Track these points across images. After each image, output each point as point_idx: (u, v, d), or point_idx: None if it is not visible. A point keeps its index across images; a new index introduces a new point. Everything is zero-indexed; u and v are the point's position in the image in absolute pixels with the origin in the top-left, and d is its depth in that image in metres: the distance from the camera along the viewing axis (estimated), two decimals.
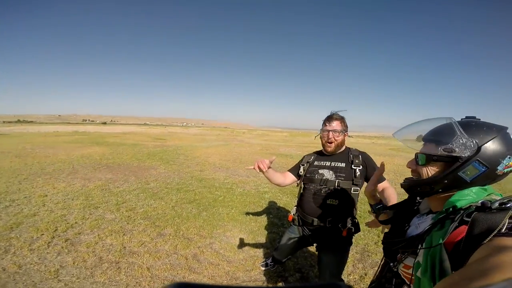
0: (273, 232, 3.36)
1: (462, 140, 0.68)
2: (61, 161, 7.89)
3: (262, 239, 3.22)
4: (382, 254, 0.93)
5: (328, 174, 1.71)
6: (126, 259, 2.61)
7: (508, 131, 0.69)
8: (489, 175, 0.67)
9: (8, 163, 7.25)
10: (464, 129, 0.69)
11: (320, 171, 1.75)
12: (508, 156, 0.65)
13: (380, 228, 1.59)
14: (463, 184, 0.69)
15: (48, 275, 2.32)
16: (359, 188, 1.67)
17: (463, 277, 0.40)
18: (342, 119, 1.74)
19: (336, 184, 1.65)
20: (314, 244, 1.87)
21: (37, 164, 7.25)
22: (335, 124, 1.70)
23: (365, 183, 1.46)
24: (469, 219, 0.58)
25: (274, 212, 4.11)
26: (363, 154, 1.76)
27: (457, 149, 0.68)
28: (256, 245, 3.03)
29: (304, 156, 1.94)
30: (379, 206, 1.05)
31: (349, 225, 1.67)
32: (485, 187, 0.69)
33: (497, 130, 0.67)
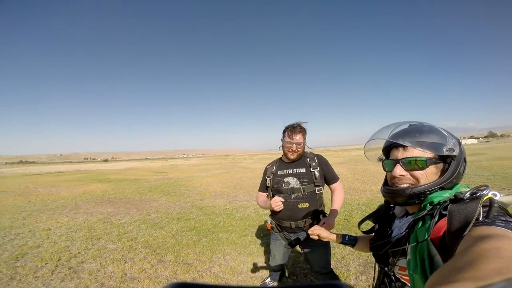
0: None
1: (452, 139, 0.75)
2: (64, 198, 8.02)
3: (261, 260, 3.26)
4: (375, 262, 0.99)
5: (293, 182, 1.86)
6: (127, 285, 2.68)
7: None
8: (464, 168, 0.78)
9: (11, 201, 7.40)
10: (443, 130, 0.78)
11: (286, 179, 1.88)
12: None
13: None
14: (459, 180, 0.77)
15: None
16: (322, 187, 1.88)
17: (451, 268, 0.41)
18: (304, 131, 1.87)
19: (303, 190, 1.83)
20: (298, 246, 1.98)
21: (40, 202, 7.38)
22: (299, 137, 1.83)
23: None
24: (446, 212, 0.62)
25: None
26: (318, 156, 1.95)
27: (455, 148, 0.74)
28: (255, 266, 3.08)
29: (266, 168, 2.03)
30: (346, 237, 1.18)
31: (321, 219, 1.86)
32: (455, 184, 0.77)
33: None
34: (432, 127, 0.78)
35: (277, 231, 1.98)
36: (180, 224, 4.91)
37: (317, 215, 1.86)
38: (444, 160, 0.75)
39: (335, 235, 1.23)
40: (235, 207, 6.18)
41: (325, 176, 1.91)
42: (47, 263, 3.14)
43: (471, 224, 0.53)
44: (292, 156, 1.87)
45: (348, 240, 1.17)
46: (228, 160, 49.04)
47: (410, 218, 0.80)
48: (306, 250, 1.92)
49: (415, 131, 0.77)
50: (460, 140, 0.77)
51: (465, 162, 0.77)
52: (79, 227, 4.77)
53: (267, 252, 3.42)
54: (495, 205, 0.56)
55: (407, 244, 0.72)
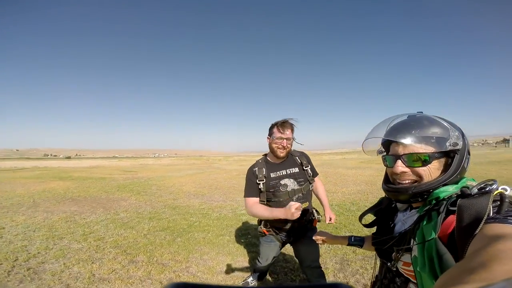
0: (252, 252, 3.36)
1: (455, 131, 0.70)
2: (20, 196, 7.32)
3: (241, 259, 3.20)
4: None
5: (291, 183, 1.80)
6: (96, 286, 2.48)
7: None
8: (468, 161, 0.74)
9: None
10: (446, 121, 0.73)
11: (282, 182, 1.79)
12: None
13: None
14: (463, 174, 0.73)
15: None
16: (312, 184, 1.93)
17: (463, 269, 0.38)
18: (292, 127, 1.82)
19: (303, 190, 1.82)
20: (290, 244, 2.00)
21: None
22: (289, 132, 1.77)
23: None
24: (454, 208, 0.59)
25: (252, 233, 4.10)
26: (304, 154, 1.96)
27: (458, 142, 0.69)
28: (235, 265, 3.01)
29: (253, 171, 1.84)
30: (352, 239, 1.16)
31: (316, 215, 1.92)
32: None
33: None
34: (433, 119, 0.73)
35: (275, 233, 1.91)
36: (152, 223, 4.69)
37: (312, 212, 1.91)
38: (448, 154, 0.71)
39: (341, 238, 1.22)
40: (211, 207, 6.04)
41: (312, 172, 1.95)
42: (1, 264, 2.83)
43: (483, 221, 0.50)
44: (282, 154, 1.77)
45: (355, 241, 1.15)
46: (202, 160, 48.21)
47: (414, 212, 0.77)
48: (299, 245, 1.93)
49: (414, 125, 0.73)
50: (463, 131, 0.72)
51: (469, 154, 0.73)
52: (38, 226, 4.36)
53: (248, 251, 3.37)
54: (506, 200, 0.54)
55: (413, 241, 0.69)
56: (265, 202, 1.80)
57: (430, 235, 0.62)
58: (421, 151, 0.70)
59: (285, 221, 1.77)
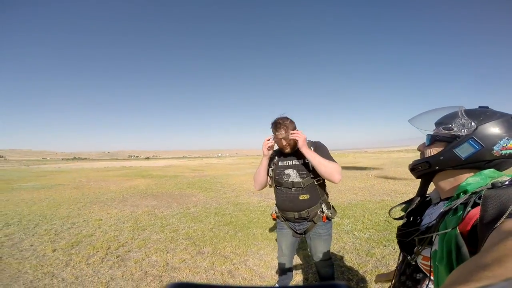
0: (304, 249, 3.33)
1: (462, 121, 0.71)
2: (113, 192, 8.75)
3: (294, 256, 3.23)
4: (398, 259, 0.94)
5: (293, 175, 1.85)
6: (168, 274, 2.82)
7: None
8: (484, 154, 0.67)
9: (68, 193, 8.30)
10: (467, 112, 0.71)
11: (286, 171, 1.88)
12: (507, 138, 0.65)
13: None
14: (458, 162, 0.70)
15: (99, 286, 2.59)
16: (321, 178, 1.82)
17: (477, 264, 0.35)
18: (286, 126, 1.78)
19: (302, 184, 1.82)
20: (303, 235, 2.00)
21: (92, 194, 8.15)
22: (283, 132, 1.77)
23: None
24: (480, 201, 0.56)
25: None
26: (316, 143, 1.90)
27: (455, 128, 0.71)
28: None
29: (271, 156, 1.98)
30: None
31: (326, 210, 1.87)
32: (495, 171, 0.68)
33: (501, 115, 0.68)
34: (456, 109, 0.75)
35: (283, 220, 2.00)
36: (218, 218, 5.06)
37: (319, 205, 1.89)
38: (449, 139, 0.73)
39: (392, 272, 1.12)
40: (268, 205, 6.19)
41: None
42: (98, 251, 3.42)
43: (507, 212, 0.47)
44: (286, 150, 1.87)
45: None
46: (259, 159, 49.33)
47: (440, 205, 0.77)
48: (311, 239, 1.94)
49: (440, 112, 0.80)
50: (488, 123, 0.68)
51: (481, 145, 0.67)
52: (127, 218, 5.16)
53: (301, 248, 3.33)
54: None
55: (435, 232, 0.67)
56: (274, 186, 1.96)
57: (451, 226, 0.60)
58: (430, 133, 0.80)
59: (286, 209, 1.90)
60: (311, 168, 1.81)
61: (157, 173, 17.68)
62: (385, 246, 3.30)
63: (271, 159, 1.97)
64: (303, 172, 1.84)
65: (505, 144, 0.65)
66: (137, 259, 3.16)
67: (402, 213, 0.95)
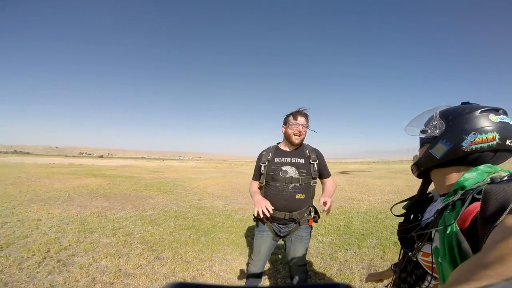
0: (274, 254, 3.22)
1: (434, 122, 0.76)
2: (57, 190, 7.77)
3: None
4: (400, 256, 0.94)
5: (291, 171, 1.79)
6: (121, 280, 2.48)
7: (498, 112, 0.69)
8: (456, 151, 0.69)
9: (1, 190, 7.15)
10: (442, 112, 0.76)
11: (283, 168, 1.81)
12: (473, 133, 0.66)
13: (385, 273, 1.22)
14: (436, 161, 0.74)
15: None
16: (316, 181, 1.86)
17: (479, 263, 0.34)
18: (307, 116, 1.87)
19: (301, 181, 1.77)
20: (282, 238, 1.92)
21: (32, 192, 7.14)
22: (304, 119, 1.83)
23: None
24: (480, 196, 0.55)
25: None
26: (316, 150, 1.91)
27: (429, 130, 0.76)
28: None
29: (261, 154, 1.95)
30: (392, 266, 1.08)
31: (313, 213, 1.87)
32: (492, 166, 0.68)
33: (469, 110, 0.70)
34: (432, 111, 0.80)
35: (266, 221, 1.85)
36: (178, 222, 4.72)
37: (308, 209, 1.86)
38: (429, 141, 0.77)
39: (386, 272, 1.16)
40: (233, 209, 6.00)
41: (320, 170, 1.88)
42: (34, 255, 2.92)
43: (509, 208, 0.46)
44: (297, 140, 1.82)
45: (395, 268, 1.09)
46: (224, 165, 48.79)
47: (438, 201, 0.78)
48: (293, 241, 1.85)
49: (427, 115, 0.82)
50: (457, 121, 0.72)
51: (450, 143, 0.71)
52: (72, 219, 4.54)
53: (272, 253, 3.25)
54: None
55: (434, 230, 0.67)
56: (263, 185, 1.85)
57: (450, 222, 0.60)
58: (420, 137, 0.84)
59: (279, 208, 1.76)
60: (314, 170, 1.82)
61: (111, 172, 16.23)
62: (347, 250, 3.39)
63: (263, 156, 1.92)
64: (303, 171, 1.80)
65: (472, 139, 0.66)
66: (83, 264, 2.75)
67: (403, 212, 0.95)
